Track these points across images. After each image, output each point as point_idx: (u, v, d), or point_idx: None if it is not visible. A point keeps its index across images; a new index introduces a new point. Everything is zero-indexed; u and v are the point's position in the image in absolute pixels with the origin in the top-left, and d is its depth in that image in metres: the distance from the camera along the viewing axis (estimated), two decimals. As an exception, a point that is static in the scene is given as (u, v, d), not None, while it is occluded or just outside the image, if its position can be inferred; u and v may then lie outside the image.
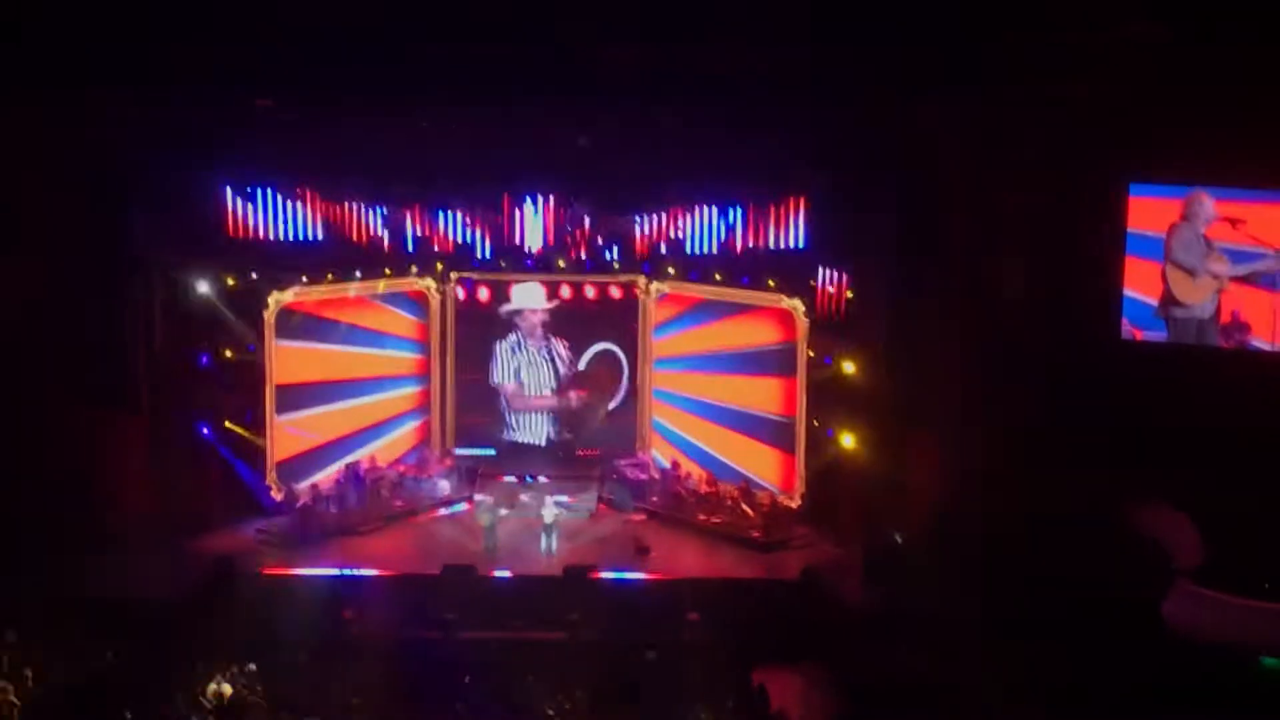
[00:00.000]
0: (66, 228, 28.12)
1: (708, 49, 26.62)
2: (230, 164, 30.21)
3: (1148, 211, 27.07)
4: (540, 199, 32.29)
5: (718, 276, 32.30)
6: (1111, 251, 27.41)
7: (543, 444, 34.64)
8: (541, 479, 33.14)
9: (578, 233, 32.71)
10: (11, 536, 26.74)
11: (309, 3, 25.77)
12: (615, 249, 32.90)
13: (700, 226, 32.08)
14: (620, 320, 34.24)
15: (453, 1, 25.43)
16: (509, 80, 26.81)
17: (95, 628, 23.87)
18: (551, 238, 32.68)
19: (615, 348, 34.46)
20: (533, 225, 32.54)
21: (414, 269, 33.42)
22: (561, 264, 33.14)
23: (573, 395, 34.36)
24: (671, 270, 33.00)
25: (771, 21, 25.77)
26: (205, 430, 30.77)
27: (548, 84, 26.95)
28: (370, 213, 31.87)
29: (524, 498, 32.47)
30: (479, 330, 34.41)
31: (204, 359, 30.80)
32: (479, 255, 33.16)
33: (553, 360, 34.35)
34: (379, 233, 32.11)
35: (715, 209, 31.75)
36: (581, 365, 34.41)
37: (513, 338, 34.25)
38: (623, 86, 27.17)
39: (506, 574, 28.56)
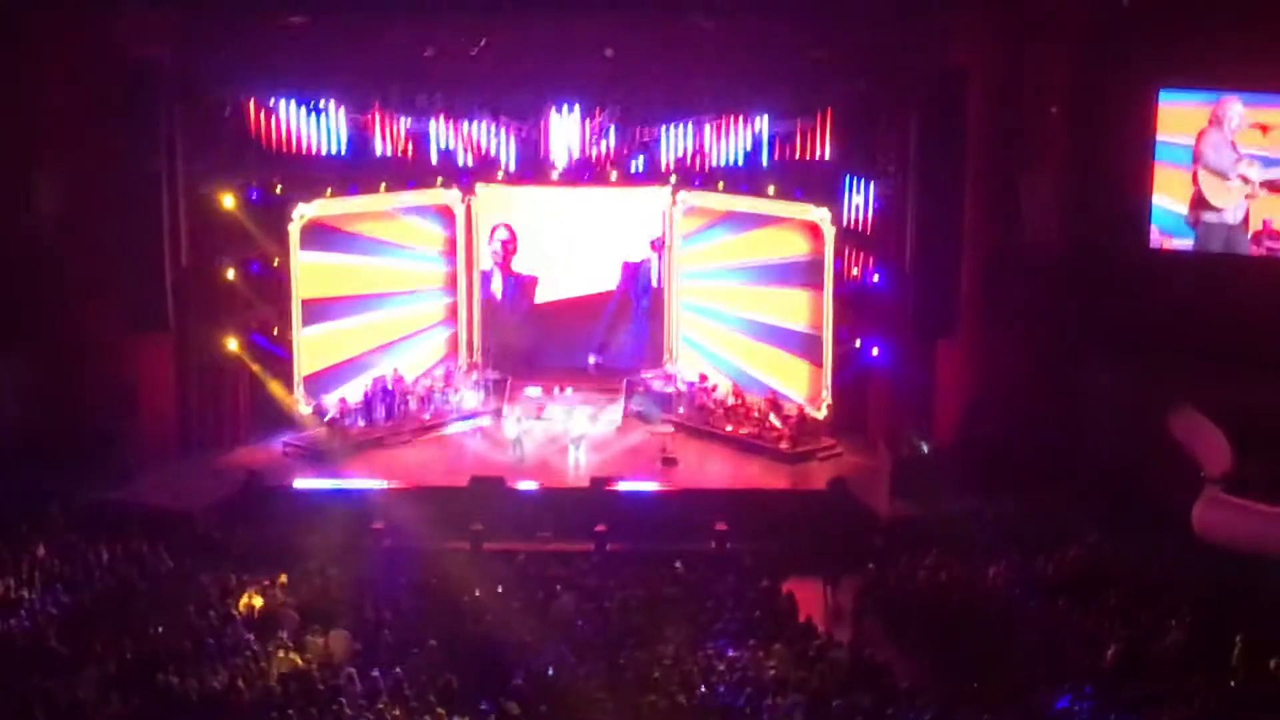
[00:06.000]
0: (94, 142, 28.10)
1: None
2: (260, 78, 29.99)
3: (1177, 118, 26.81)
4: (568, 108, 31.92)
5: (744, 188, 32.10)
6: (1141, 159, 27.17)
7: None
8: (569, 391, 33.11)
9: (604, 143, 32.40)
10: (44, 451, 26.99)
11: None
12: (642, 159, 32.57)
13: (728, 137, 31.78)
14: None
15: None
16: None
17: (127, 539, 24.05)
18: (580, 148, 32.36)
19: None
20: (560, 135, 32.24)
21: (439, 181, 33.25)
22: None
23: None
24: (698, 181, 32.81)
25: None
26: (254, 339, 31.10)
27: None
28: (398, 123, 31.56)
29: (551, 410, 32.50)
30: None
31: (254, 266, 31.02)
32: (505, 167, 32.99)
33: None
34: (406, 143, 31.79)
35: (743, 120, 31.40)
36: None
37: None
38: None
39: (534, 486, 28.73)
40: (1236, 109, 26.05)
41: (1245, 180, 26.26)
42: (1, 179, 28.40)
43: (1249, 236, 26.49)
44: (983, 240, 28.57)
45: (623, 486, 28.44)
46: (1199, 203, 26.77)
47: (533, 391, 33.33)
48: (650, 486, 28.74)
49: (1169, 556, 22.98)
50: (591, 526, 26.34)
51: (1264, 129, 25.89)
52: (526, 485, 28.61)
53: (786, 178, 31.44)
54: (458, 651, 19.65)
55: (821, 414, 31.57)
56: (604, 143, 32.16)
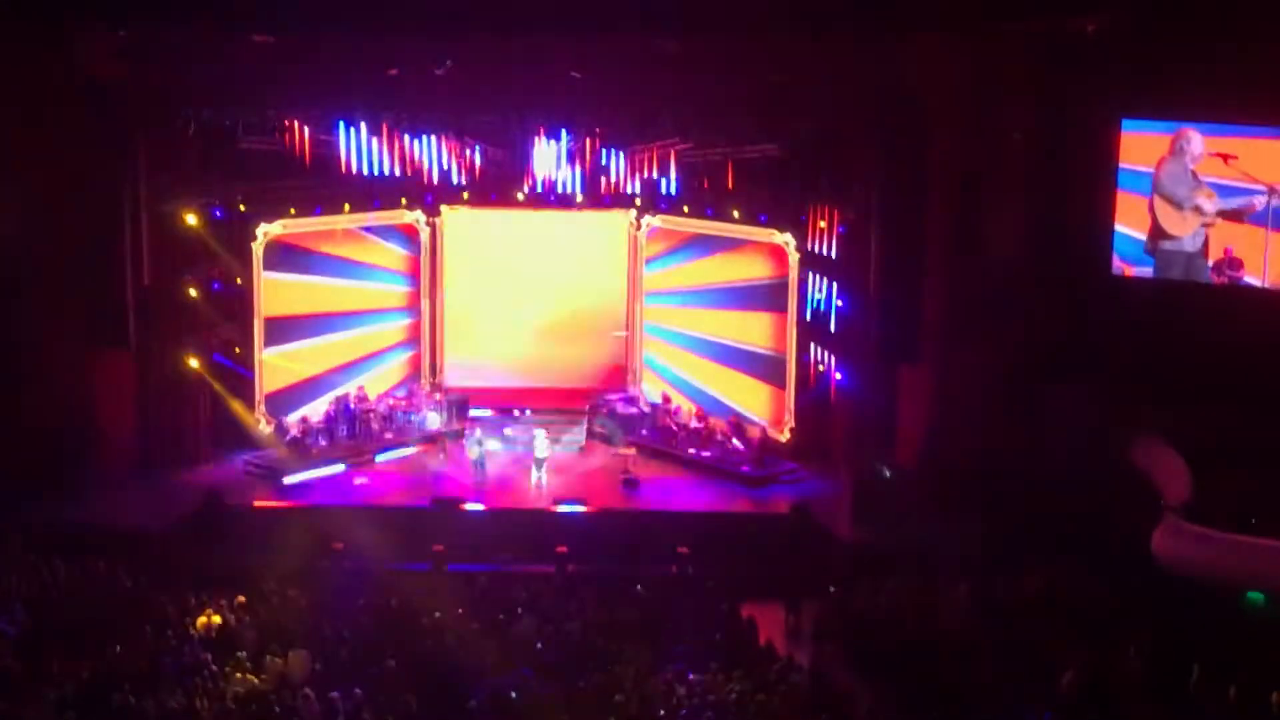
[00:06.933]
0: (54, 161, 27.91)
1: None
2: (223, 96, 29.81)
3: (1139, 146, 26.93)
4: (534, 130, 31.77)
5: (709, 211, 32.15)
6: (1103, 187, 27.29)
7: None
8: (530, 413, 33.04)
9: (571, 166, 32.30)
10: (1, 469, 26.75)
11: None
12: (608, 182, 32.42)
13: (693, 161, 31.75)
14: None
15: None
16: (506, 11, 26.57)
17: (88, 560, 23.88)
18: (545, 170, 32.21)
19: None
20: (526, 157, 32.12)
21: (403, 202, 33.23)
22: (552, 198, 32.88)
23: None
24: (663, 204, 32.84)
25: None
26: (216, 358, 30.89)
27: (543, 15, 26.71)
28: (362, 142, 31.33)
29: (514, 431, 32.42)
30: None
31: (217, 285, 30.97)
32: (470, 188, 32.93)
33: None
34: (370, 162, 31.52)
35: (707, 144, 31.39)
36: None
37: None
38: (618, 19, 26.88)
39: (495, 507, 28.69)
40: (1196, 139, 26.16)
41: (1199, 211, 26.34)
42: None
43: (1210, 265, 26.59)
44: (946, 264, 28.66)
45: (584, 508, 28.37)
46: (1156, 231, 26.87)
47: (495, 413, 33.29)
48: (612, 508, 28.68)
49: (1129, 583, 23.05)
50: (553, 548, 26.30)
51: (1225, 158, 25.97)
52: (484, 507, 28.55)
53: (751, 202, 31.53)
54: (417, 672, 19.57)
55: (784, 437, 31.66)
56: (570, 165, 32.11)
